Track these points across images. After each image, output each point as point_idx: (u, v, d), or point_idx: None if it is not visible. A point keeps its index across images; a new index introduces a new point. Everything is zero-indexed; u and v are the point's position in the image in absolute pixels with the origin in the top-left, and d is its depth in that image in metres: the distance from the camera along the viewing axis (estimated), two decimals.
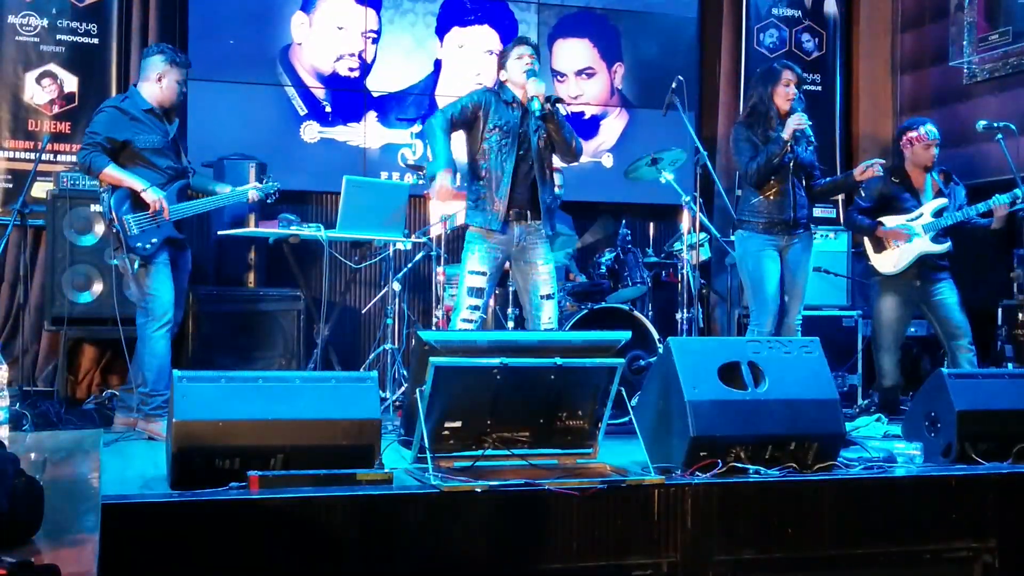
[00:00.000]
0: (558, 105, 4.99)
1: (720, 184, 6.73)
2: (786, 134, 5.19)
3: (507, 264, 5.08)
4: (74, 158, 6.27)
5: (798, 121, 5.19)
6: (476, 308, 4.84)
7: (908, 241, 5.52)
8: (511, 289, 5.61)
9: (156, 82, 4.94)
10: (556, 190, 6.43)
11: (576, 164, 5.49)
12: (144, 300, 4.82)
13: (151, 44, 5.81)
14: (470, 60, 7.34)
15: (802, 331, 5.32)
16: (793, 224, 5.32)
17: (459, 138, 5.00)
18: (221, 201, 5.15)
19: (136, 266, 4.76)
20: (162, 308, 4.79)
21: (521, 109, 4.92)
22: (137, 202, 4.79)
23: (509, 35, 7.20)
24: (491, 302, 5.97)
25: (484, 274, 4.87)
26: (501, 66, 5.03)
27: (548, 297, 4.94)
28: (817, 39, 7.93)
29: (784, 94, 5.30)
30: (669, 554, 3.58)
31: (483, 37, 7.37)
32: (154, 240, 4.79)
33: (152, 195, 4.77)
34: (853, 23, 8.11)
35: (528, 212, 4.91)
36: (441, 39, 7.30)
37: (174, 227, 4.89)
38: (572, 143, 4.98)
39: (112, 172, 4.77)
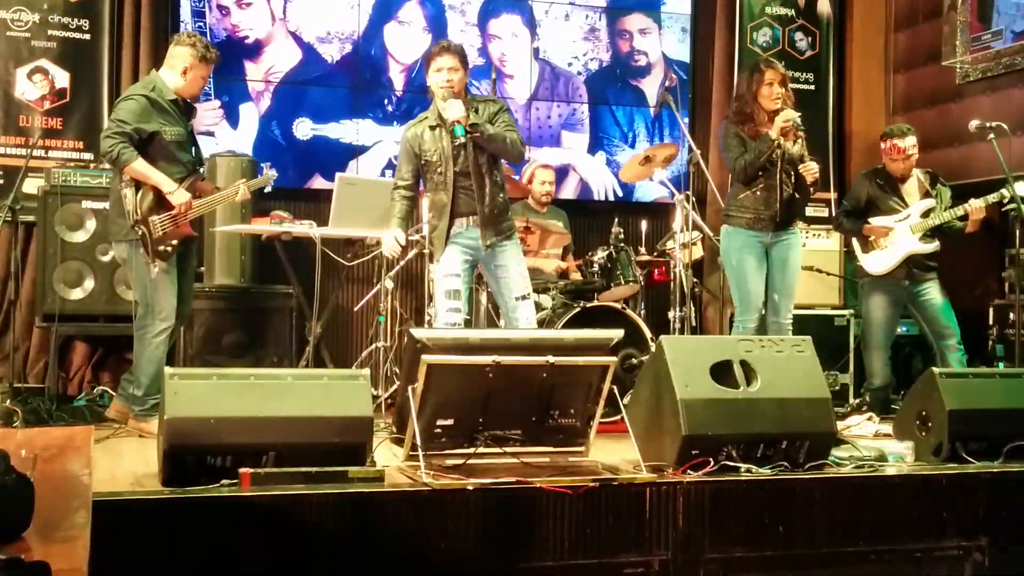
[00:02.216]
0: (478, 124, 4.72)
1: (713, 182, 6.73)
2: (774, 133, 5.17)
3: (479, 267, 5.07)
4: (65, 154, 6.30)
5: (786, 119, 5.18)
6: (456, 310, 4.79)
7: (895, 241, 5.54)
8: None
9: (181, 75, 4.83)
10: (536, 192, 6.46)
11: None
12: (147, 302, 4.75)
13: (183, 32, 5.59)
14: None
15: (794, 330, 5.32)
16: (780, 220, 5.30)
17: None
18: (226, 199, 5.08)
19: (156, 269, 4.69)
20: (165, 312, 4.74)
21: (448, 129, 4.76)
22: (160, 201, 4.70)
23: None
24: (484, 300, 5.97)
25: (458, 275, 4.84)
26: (427, 74, 4.87)
27: (523, 298, 4.91)
28: (810, 38, 7.94)
29: (768, 94, 5.27)
30: (660, 552, 3.58)
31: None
32: (174, 242, 4.73)
33: (179, 197, 4.68)
34: (846, 22, 8.11)
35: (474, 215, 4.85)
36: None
37: (191, 226, 4.84)
38: (508, 147, 4.82)
39: (140, 168, 4.63)
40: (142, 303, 4.79)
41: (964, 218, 5.53)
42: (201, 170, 5.05)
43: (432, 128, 4.84)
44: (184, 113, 4.89)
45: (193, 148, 4.96)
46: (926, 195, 5.63)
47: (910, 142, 5.60)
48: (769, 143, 5.18)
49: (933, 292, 5.59)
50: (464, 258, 4.87)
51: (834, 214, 5.97)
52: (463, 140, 4.71)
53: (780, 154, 5.26)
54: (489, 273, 5.01)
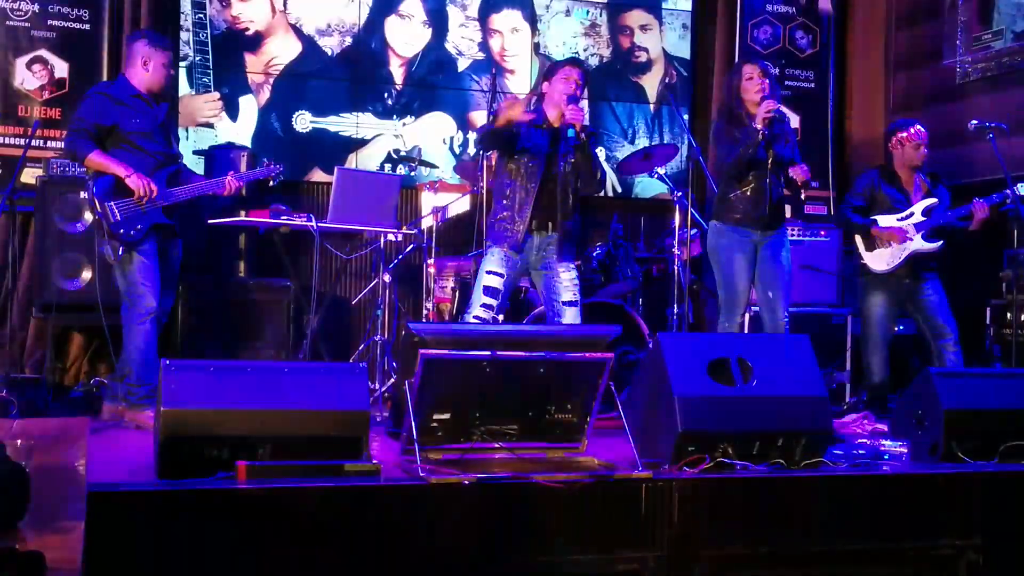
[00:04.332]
0: (592, 137, 5.01)
1: (712, 179, 6.73)
2: (758, 123, 5.15)
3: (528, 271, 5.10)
4: (64, 144, 6.29)
5: (767, 108, 5.15)
6: (490, 308, 4.87)
7: (902, 241, 5.54)
8: None
9: (142, 67, 4.92)
10: None
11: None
12: (128, 290, 4.79)
13: (133, 31, 5.79)
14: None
15: (791, 328, 5.32)
16: (769, 220, 5.28)
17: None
18: (207, 188, 5.09)
19: (120, 252, 4.73)
20: (145, 298, 4.76)
21: (550, 132, 4.94)
22: (122, 188, 4.75)
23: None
24: None
25: (501, 276, 4.90)
26: (547, 78, 5.06)
27: (570, 304, 4.94)
28: (811, 36, 7.94)
29: (748, 88, 5.25)
30: (656, 549, 3.58)
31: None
32: (139, 226, 4.75)
33: (136, 180, 4.72)
34: (847, 20, 8.11)
35: (550, 224, 4.93)
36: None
37: (162, 213, 4.85)
38: (597, 175, 5.04)
39: (97, 158, 4.74)
40: (123, 293, 4.83)
41: (967, 217, 5.52)
42: (180, 163, 5.09)
43: (536, 126, 4.96)
44: (150, 107, 4.93)
45: (164, 141, 4.98)
46: (928, 194, 5.63)
47: (921, 129, 5.59)
48: (754, 134, 5.16)
49: (932, 291, 5.59)
50: (514, 261, 4.93)
51: (837, 211, 5.92)
52: (570, 142, 4.84)
53: (771, 154, 5.24)
54: (538, 276, 5.05)
